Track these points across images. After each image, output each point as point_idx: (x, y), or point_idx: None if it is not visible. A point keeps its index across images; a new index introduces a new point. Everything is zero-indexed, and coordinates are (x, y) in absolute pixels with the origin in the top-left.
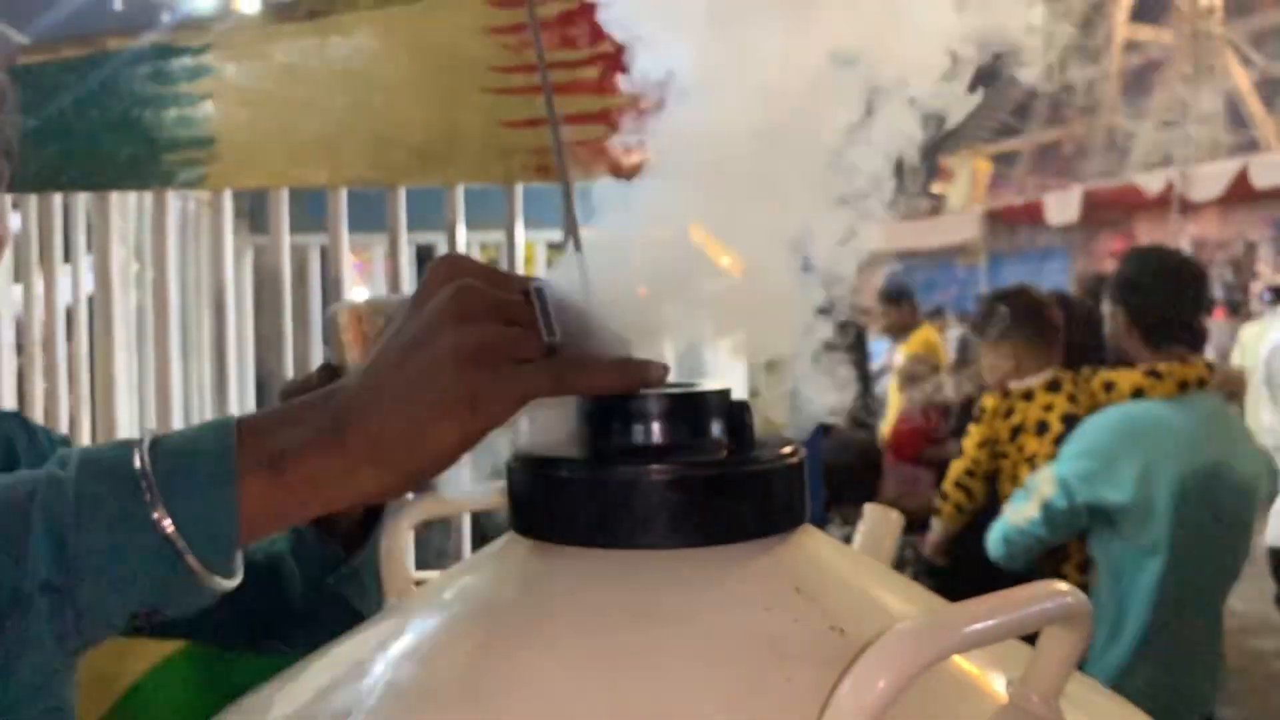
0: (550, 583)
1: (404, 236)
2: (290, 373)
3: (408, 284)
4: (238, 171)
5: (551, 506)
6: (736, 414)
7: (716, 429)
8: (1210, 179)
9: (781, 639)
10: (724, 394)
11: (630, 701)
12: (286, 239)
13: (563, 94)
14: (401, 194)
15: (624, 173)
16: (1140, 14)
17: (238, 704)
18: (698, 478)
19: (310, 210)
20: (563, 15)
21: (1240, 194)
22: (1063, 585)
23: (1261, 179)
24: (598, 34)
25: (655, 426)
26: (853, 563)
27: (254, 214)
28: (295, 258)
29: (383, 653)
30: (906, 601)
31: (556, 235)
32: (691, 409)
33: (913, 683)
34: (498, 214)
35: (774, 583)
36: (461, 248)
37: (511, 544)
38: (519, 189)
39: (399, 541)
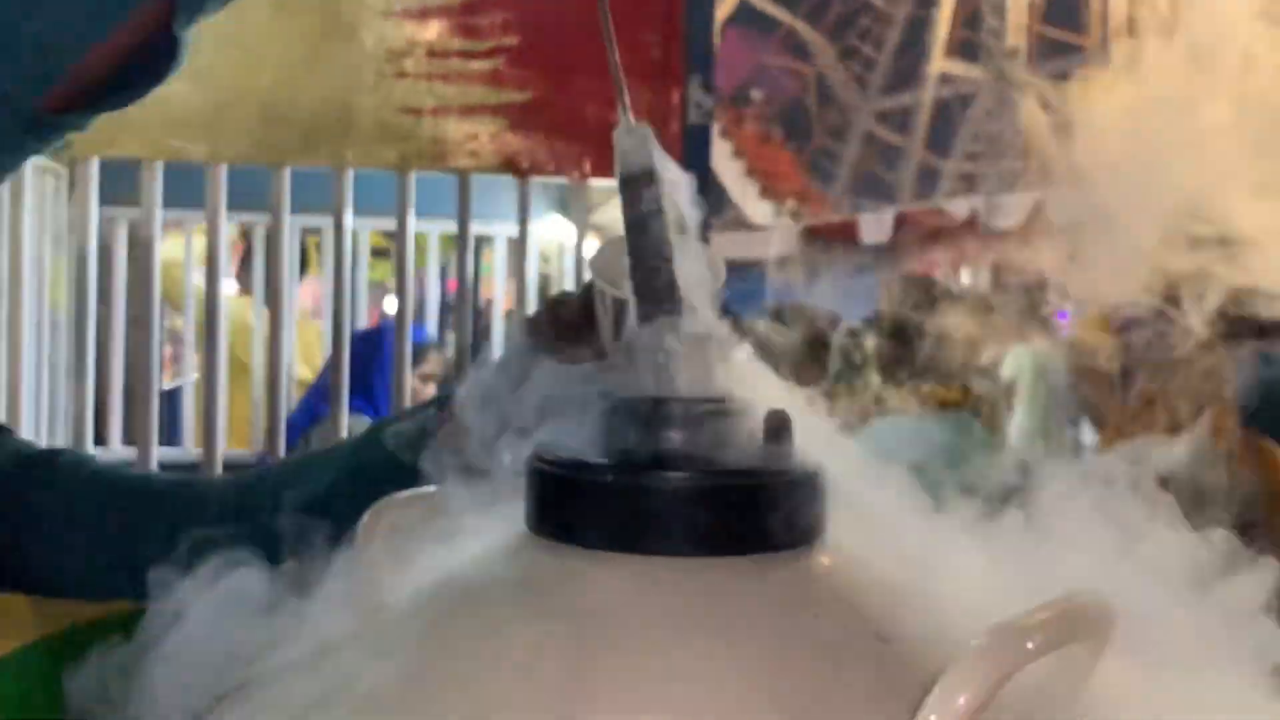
0: (585, 586)
1: (287, 218)
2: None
3: (286, 268)
4: (107, 140)
5: (583, 509)
6: (776, 422)
7: (751, 437)
8: (1011, 209)
9: (834, 645)
10: (775, 408)
11: (690, 708)
12: (159, 214)
13: (455, 83)
14: (286, 174)
15: (518, 168)
16: (953, 49)
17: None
18: (730, 486)
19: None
20: (466, 4)
21: (1038, 224)
22: (1101, 595)
23: (1056, 212)
24: (506, 27)
25: (688, 433)
26: (875, 571)
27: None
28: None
29: (390, 655)
30: (927, 610)
31: (450, 227)
32: (727, 416)
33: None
34: (385, 202)
35: (815, 590)
36: (348, 234)
37: (531, 545)
38: (413, 177)
39: (377, 540)
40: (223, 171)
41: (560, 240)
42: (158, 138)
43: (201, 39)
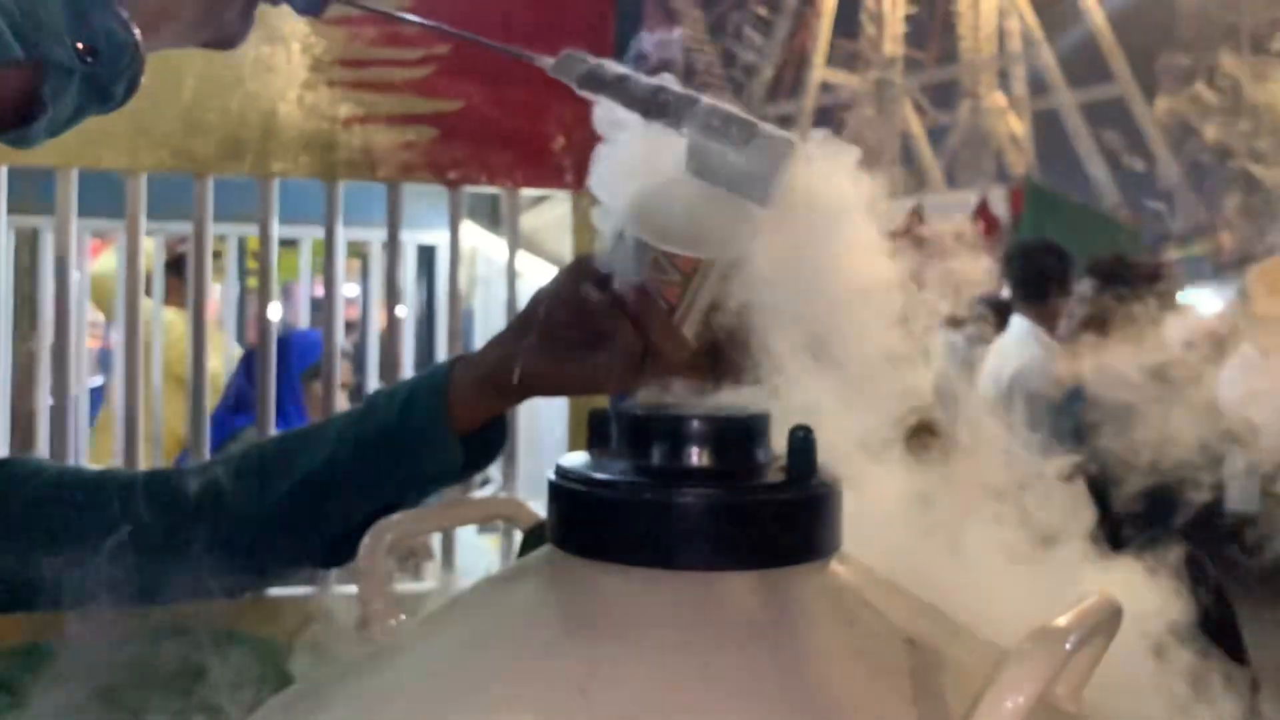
0: (610, 599)
1: (210, 228)
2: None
3: (209, 276)
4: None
5: (608, 524)
6: (799, 438)
7: (771, 453)
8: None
9: (868, 651)
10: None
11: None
12: (74, 223)
13: (385, 93)
14: (209, 183)
15: (447, 177)
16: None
17: None
18: (753, 502)
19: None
20: (396, 8)
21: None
22: (1113, 595)
23: (930, 216)
24: (432, 36)
25: (712, 449)
26: (885, 580)
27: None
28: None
29: (420, 667)
30: (936, 615)
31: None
32: (751, 432)
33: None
34: (313, 211)
35: (841, 599)
36: (274, 242)
37: (557, 560)
38: (340, 186)
39: (379, 560)
40: (142, 181)
41: (473, 246)
42: (75, 146)
43: None
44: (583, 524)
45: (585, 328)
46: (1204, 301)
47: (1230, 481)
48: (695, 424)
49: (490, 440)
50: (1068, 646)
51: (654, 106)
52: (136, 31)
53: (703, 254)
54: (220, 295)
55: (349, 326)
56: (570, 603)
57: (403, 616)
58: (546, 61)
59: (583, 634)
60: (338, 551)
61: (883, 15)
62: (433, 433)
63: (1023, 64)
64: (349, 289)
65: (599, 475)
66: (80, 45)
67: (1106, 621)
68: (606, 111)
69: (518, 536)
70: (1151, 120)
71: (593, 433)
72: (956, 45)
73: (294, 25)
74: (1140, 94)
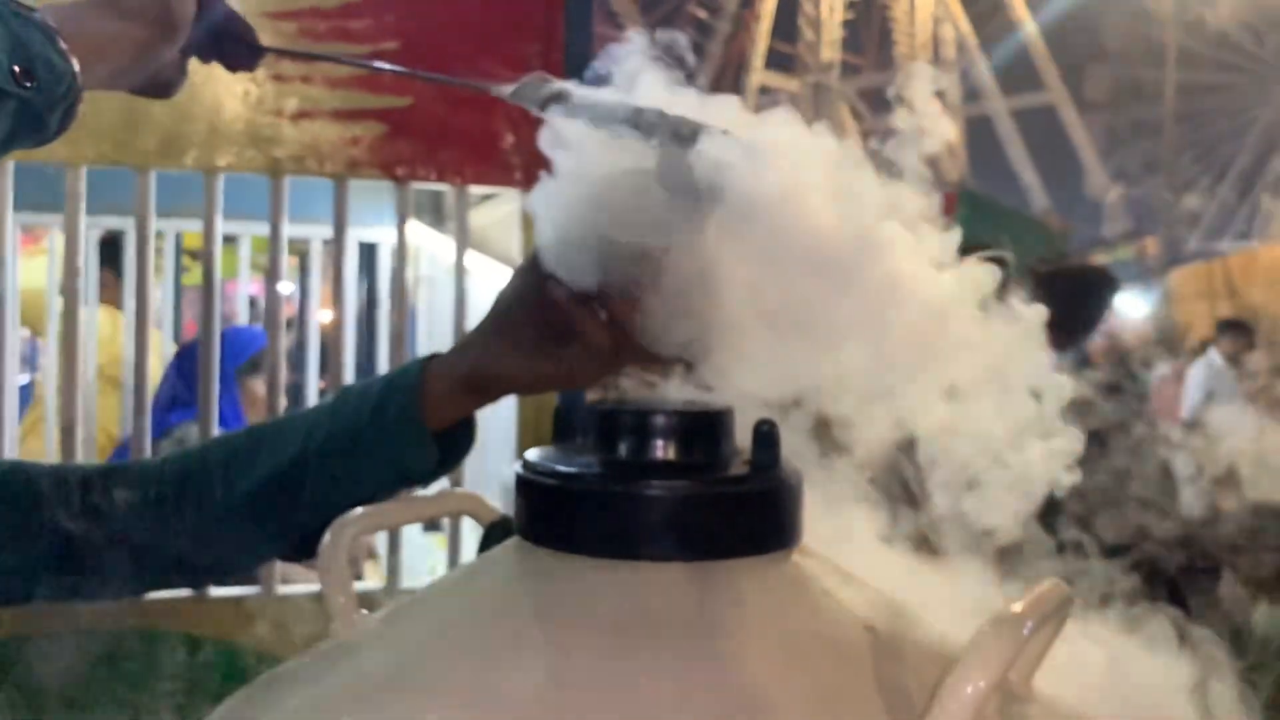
0: (577, 590)
1: (152, 223)
2: None
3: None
4: None
5: (575, 517)
6: (764, 431)
7: (735, 446)
8: None
9: (833, 640)
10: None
11: (722, 706)
12: (10, 215)
13: (333, 88)
14: (152, 178)
15: (395, 173)
16: (772, 63)
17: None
18: (718, 494)
19: None
20: (344, 7)
21: None
22: (1063, 583)
23: None
24: (384, 31)
25: (677, 443)
26: (843, 571)
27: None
28: None
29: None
30: (892, 604)
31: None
32: (714, 426)
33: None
34: (250, 206)
35: (805, 588)
36: (219, 239)
37: (524, 551)
38: (286, 182)
39: (342, 555)
40: (82, 174)
41: (417, 244)
42: None
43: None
44: (550, 516)
45: (554, 324)
46: (1130, 305)
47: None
48: (661, 418)
49: (460, 440)
50: (1025, 632)
51: (622, 121)
52: (75, 63)
53: (658, 241)
54: (156, 292)
55: (287, 324)
56: (539, 594)
57: (364, 612)
58: (505, 90)
59: (552, 624)
60: (304, 548)
61: (820, 21)
62: (407, 432)
63: (956, 71)
64: (284, 286)
65: (566, 469)
66: (17, 69)
67: (1058, 608)
68: (552, 133)
69: (465, 535)
70: (1080, 128)
71: (558, 428)
72: (892, 51)
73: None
74: (1071, 102)
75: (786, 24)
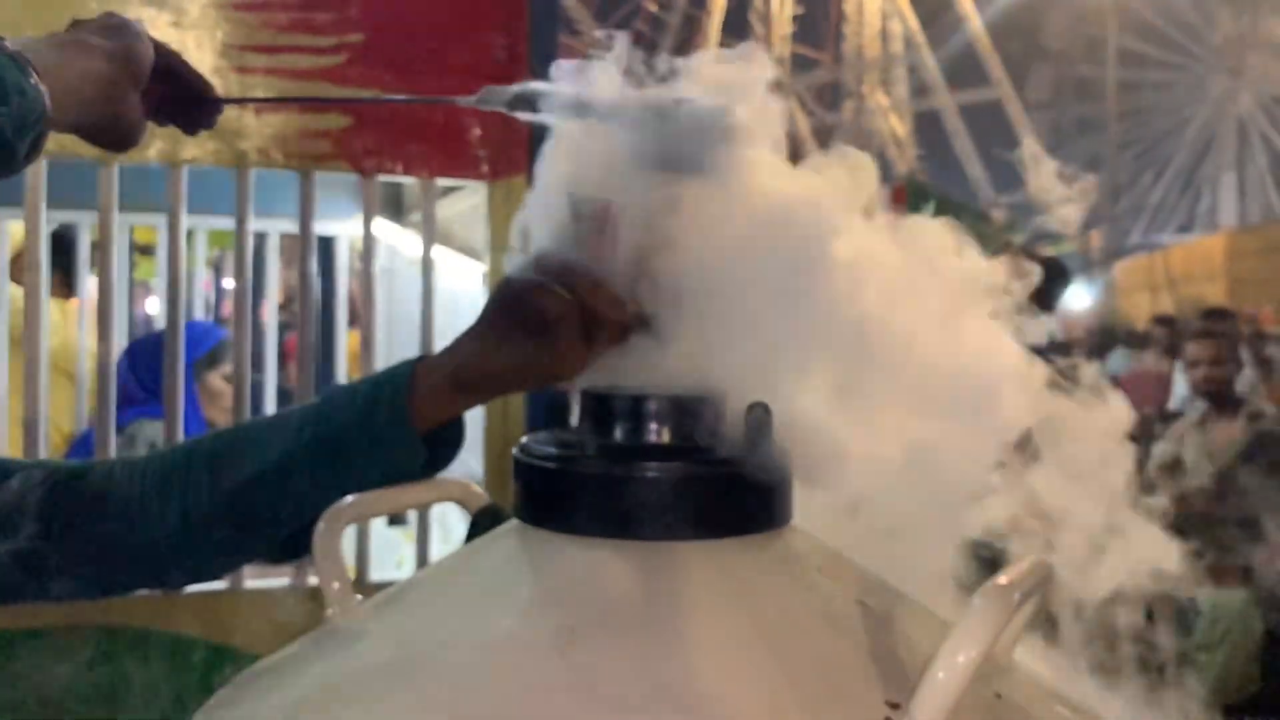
0: (574, 569)
1: (115, 216)
2: None
3: (114, 267)
4: None
5: (571, 498)
6: (756, 415)
7: (730, 429)
8: None
9: (829, 614)
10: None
11: (695, 680)
12: None
13: (300, 79)
14: (115, 171)
15: (362, 166)
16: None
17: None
18: (713, 475)
19: None
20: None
21: None
22: (1046, 559)
23: None
24: (350, 24)
25: (672, 426)
26: (831, 550)
27: None
28: None
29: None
30: (879, 582)
31: (290, 226)
32: (708, 409)
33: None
34: (207, 199)
35: (797, 565)
36: (183, 232)
37: (522, 532)
38: (251, 174)
39: (336, 543)
40: (42, 166)
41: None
42: None
43: (23, 20)
44: (549, 499)
45: (533, 319)
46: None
47: None
48: (655, 403)
49: (449, 440)
50: (1015, 600)
51: (585, 110)
52: (47, 97)
53: (614, 198)
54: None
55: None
56: (539, 574)
57: (359, 598)
58: (469, 100)
59: (553, 603)
60: (289, 547)
61: (770, 15)
62: (395, 433)
63: (904, 65)
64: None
65: (564, 452)
66: None
67: (1042, 581)
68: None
69: (435, 528)
70: (1025, 122)
71: (550, 414)
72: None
73: (204, 10)
74: (1016, 97)
75: (737, 20)
